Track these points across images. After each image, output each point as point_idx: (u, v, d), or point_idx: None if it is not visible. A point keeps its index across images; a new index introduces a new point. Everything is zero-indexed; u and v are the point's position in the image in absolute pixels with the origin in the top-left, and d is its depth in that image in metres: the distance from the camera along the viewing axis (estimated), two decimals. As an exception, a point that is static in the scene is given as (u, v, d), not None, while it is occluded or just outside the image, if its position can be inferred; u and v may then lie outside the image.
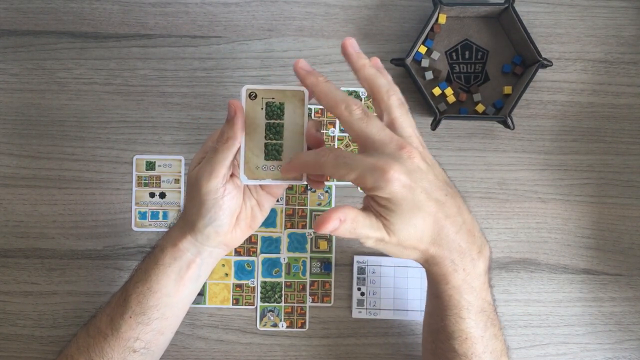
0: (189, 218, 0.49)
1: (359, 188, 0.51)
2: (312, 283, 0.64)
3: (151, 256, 0.52)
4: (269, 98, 0.47)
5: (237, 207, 0.50)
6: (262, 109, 0.47)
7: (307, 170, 0.47)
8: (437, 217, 0.44)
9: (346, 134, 0.65)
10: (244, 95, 0.47)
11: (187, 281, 0.51)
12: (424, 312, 0.54)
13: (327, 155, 0.43)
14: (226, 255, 0.63)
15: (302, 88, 0.47)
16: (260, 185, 0.51)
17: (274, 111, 0.47)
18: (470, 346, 0.48)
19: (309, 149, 0.48)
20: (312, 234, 0.64)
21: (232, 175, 0.49)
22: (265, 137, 0.47)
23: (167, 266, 0.50)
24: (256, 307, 0.63)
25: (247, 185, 0.51)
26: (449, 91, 0.64)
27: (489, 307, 0.49)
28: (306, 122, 0.48)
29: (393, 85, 0.46)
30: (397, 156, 0.43)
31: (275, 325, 0.63)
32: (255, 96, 0.47)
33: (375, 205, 0.44)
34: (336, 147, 0.65)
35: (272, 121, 0.47)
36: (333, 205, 0.64)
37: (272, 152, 0.48)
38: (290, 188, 0.64)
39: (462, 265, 0.46)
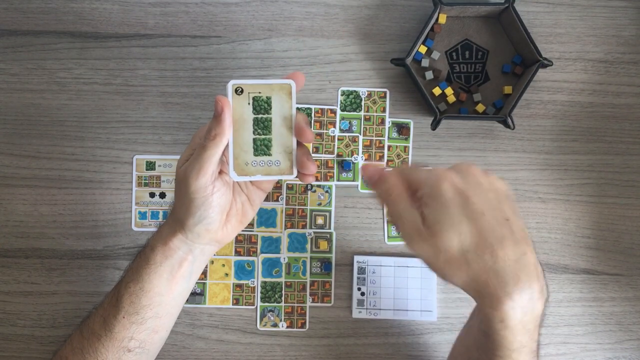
0: (178, 216, 0.49)
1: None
2: (312, 283, 0.64)
3: (142, 255, 0.51)
4: (256, 92, 0.46)
5: (227, 203, 0.49)
6: (249, 104, 0.46)
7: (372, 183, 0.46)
8: (496, 234, 0.40)
9: (346, 134, 0.65)
10: (230, 91, 0.46)
11: (179, 279, 0.51)
12: (458, 337, 0.53)
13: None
14: (226, 255, 0.63)
15: (289, 81, 0.47)
16: (250, 181, 0.51)
17: (261, 106, 0.47)
18: None
19: (298, 143, 0.48)
20: (312, 233, 0.64)
21: (220, 172, 0.48)
22: (254, 132, 0.47)
23: (159, 265, 0.50)
24: (256, 307, 0.63)
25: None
26: (449, 91, 0.64)
27: (537, 347, 0.45)
28: (294, 115, 0.47)
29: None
30: (453, 170, 0.43)
31: (275, 325, 0.63)
32: (242, 91, 0.46)
33: (422, 206, 0.42)
34: (336, 147, 0.65)
35: (260, 116, 0.47)
36: (333, 204, 0.64)
37: (261, 148, 0.47)
38: (290, 188, 0.64)
39: (520, 302, 0.40)
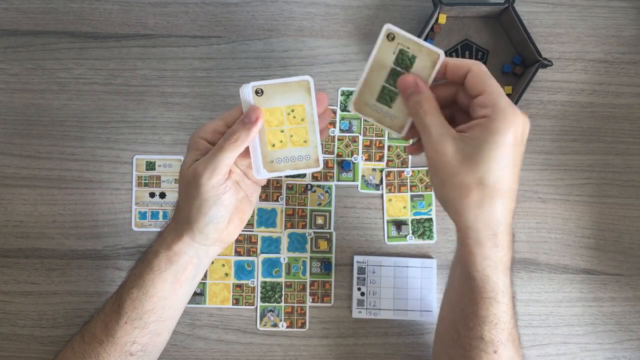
0: (187, 217, 0.49)
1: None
2: (312, 283, 0.64)
3: (144, 261, 0.51)
4: (405, 46, 0.46)
5: (235, 202, 0.49)
6: (394, 53, 0.47)
7: (451, 67, 0.46)
8: (511, 186, 0.43)
9: (346, 134, 0.65)
10: (383, 34, 0.46)
11: (183, 282, 0.51)
12: (441, 303, 0.54)
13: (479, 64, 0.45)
14: (226, 256, 0.63)
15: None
16: (246, 174, 0.51)
17: (404, 60, 0.47)
18: (498, 332, 0.47)
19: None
20: (312, 233, 0.64)
21: (230, 172, 0.49)
22: (386, 80, 0.47)
23: (163, 271, 0.50)
24: (256, 307, 0.63)
25: (236, 179, 0.50)
26: (449, 91, 0.64)
27: (514, 295, 0.49)
28: (430, 82, 0.47)
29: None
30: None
31: (275, 325, 0.63)
32: (393, 38, 0.46)
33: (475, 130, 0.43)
34: (336, 147, 0.65)
35: (399, 69, 0.47)
36: (333, 204, 0.64)
37: (385, 97, 0.47)
38: (290, 188, 0.64)
39: (502, 243, 0.45)
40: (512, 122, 0.42)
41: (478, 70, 0.44)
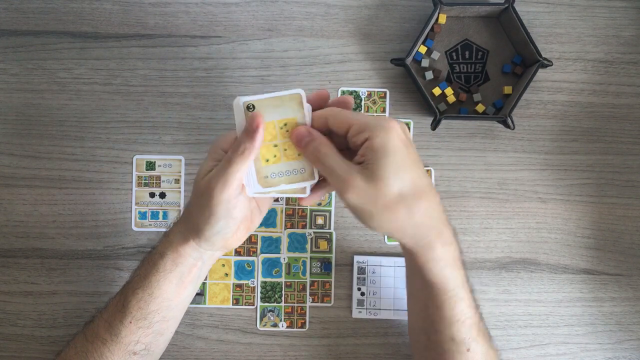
0: (196, 225, 0.48)
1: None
2: (312, 283, 0.64)
3: (150, 262, 0.51)
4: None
5: (245, 213, 0.49)
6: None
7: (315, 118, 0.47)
8: (426, 182, 0.45)
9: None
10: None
11: (188, 284, 0.51)
12: (408, 313, 0.55)
13: (331, 109, 0.46)
14: (226, 255, 0.63)
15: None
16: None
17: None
18: (467, 330, 0.48)
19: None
20: (312, 234, 0.64)
21: (243, 185, 0.48)
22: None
23: (169, 272, 0.50)
24: (256, 307, 0.63)
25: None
26: (449, 91, 0.64)
27: (472, 287, 0.50)
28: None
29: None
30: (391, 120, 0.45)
31: (275, 325, 0.63)
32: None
33: (366, 156, 0.44)
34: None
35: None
36: (333, 205, 0.64)
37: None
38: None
39: (448, 238, 0.46)
40: (389, 129, 0.43)
41: (332, 113, 0.46)
